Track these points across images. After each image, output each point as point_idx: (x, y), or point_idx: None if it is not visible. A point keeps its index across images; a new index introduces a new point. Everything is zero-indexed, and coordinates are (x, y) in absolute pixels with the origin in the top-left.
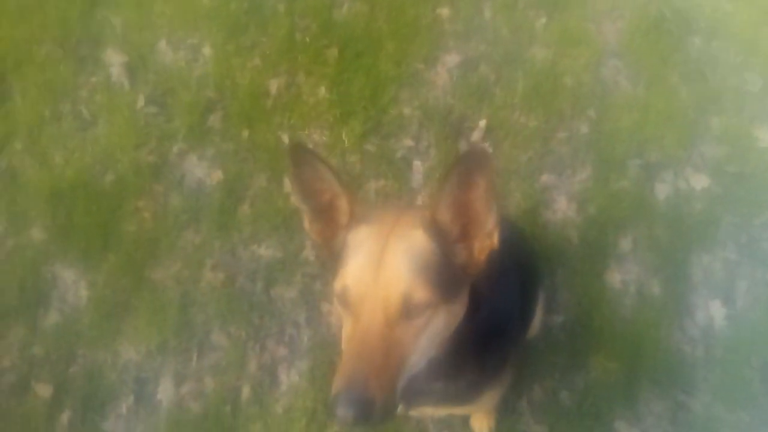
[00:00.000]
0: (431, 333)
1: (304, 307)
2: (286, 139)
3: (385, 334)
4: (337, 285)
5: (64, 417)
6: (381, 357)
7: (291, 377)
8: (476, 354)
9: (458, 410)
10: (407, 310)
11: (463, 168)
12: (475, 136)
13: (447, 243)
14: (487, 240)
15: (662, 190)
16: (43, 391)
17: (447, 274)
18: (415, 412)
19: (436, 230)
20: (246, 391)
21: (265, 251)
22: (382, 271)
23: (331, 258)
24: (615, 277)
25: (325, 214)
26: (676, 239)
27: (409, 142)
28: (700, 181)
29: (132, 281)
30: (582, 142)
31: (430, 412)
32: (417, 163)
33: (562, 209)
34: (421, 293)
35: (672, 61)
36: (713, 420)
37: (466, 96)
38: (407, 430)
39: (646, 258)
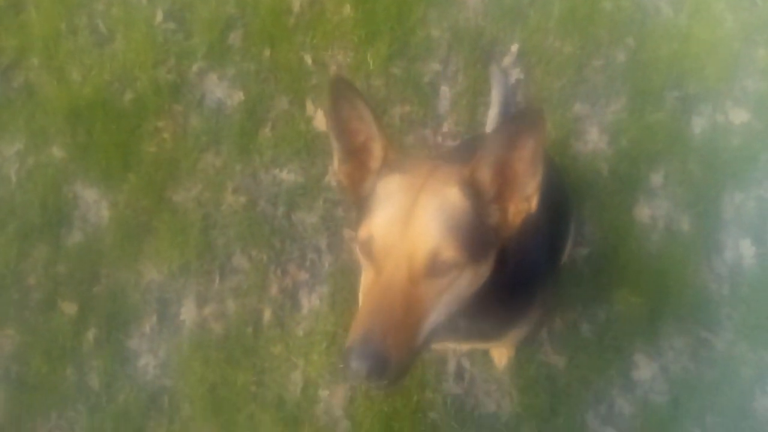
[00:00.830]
0: (455, 292)
1: (325, 233)
2: (308, 59)
3: (407, 290)
4: (362, 233)
5: (90, 334)
6: (401, 313)
7: (312, 301)
8: (502, 300)
9: (482, 346)
10: (433, 268)
11: (514, 127)
12: (507, 61)
13: (482, 203)
14: (524, 203)
15: (699, 124)
16: (69, 308)
17: (478, 234)
18: (437, 346)
19: (472, 189)
20: (267, 314)
21: (287, 175)
22: (411, 225)
23: (356, 203)
24: (644, 212)
25: (357, 155)
26: (710, 175)
27: (436, 66)
28: (739, 116)
29: (153, 202)
30: (618, 71)
31: (453, 346)
32: (444, 89)
33: (593, 140)
34: (449, 252)
35: None
36: (735, 358)
37: (499, 18)
38: (426, 358)
39: (677, 193)
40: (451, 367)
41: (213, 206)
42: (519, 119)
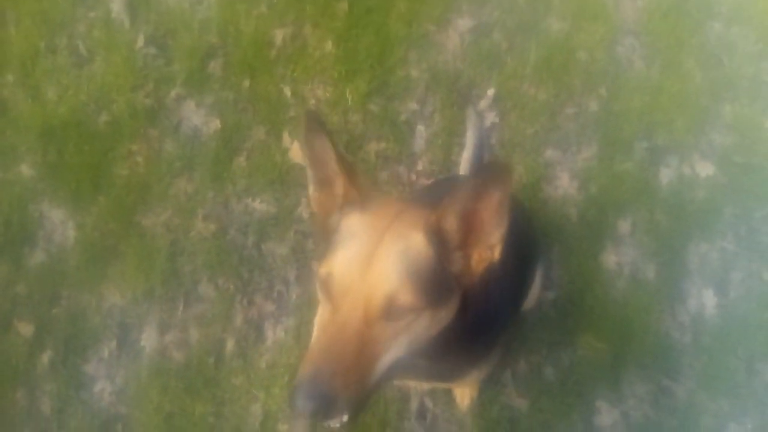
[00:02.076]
0: (411, 335)
1: (294, 265)
2: (288, 92)
3: (361, 330)
4: (322, 270)
5: (45, 357)
6: (353, 354)
7: (277, 333)
8: (463, 342)
9: (443, 385)
10: (389, 312)
11: (481, 179)
12: (483, 104)
13: (446, 250)
14: (488, 252)
15: (666, 175)
16: (25, 330)
17: (439, 281)
18: (398, 383)
19: (437, 236)
20: (230, 344)
21: (259, 205)
22: (371, 266)
23: (323, 236)
24: (610, 259)
25: (328, 186)
26: (676, 225)
27: (414, 105)
28: (705, 169)
29: (121, 226)
30: (590, 119)
31: (414, 384)
32: (420, 128)
33: (563, 186)
34: (407, 297)
35: (689, 44)
36: (695, 406)
37: (476, 62)
38: (389, 395)
39: (643, 242)
40: (414, 405)
41: (182, 232)
42: (486, 171)
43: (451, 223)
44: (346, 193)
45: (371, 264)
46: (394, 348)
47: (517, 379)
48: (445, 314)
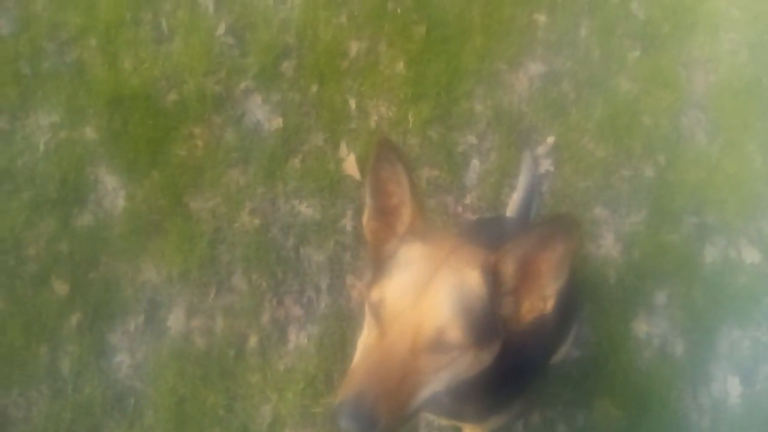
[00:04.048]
0: (453, 371)
1: (329, 274)
2: (353, 104)
3: (407, 360)
4: (375, 294)
5: (74, 318)
6: (396, 381)
7: (300, 339)
8: (491, 387)
9: (458, 424)
10: (436, 344)
11: (548, 229)
12: (540, 150)
13: (499, 293)
14: (540, 303)
15: (711, 254)
16: (60, 288)
17: (487, 322)
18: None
19: (493, 277)
20: (253, 341)
21: (305, 209)
22: (425, 297)
23: (375, 261)
24: (641, 327)
25: (387, 216)
26: (712, 306)
27: (472, 138)
28: (751, 255)
29: (169, 204)
30: (644, 184)
31: (430, 417)
32: (475, 162)
33: (607, 246)
34: (456, 333)
35: (754, 128)
36: None
37: (541, 108)
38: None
39: (677, 316)
40: None
41: (226, 222)
42: (556, 223)
43: (509, 267)
44: (413, 222)
45: (425, 294)
46: (435, 381)
47: (529, 430)
48: (487, 356)
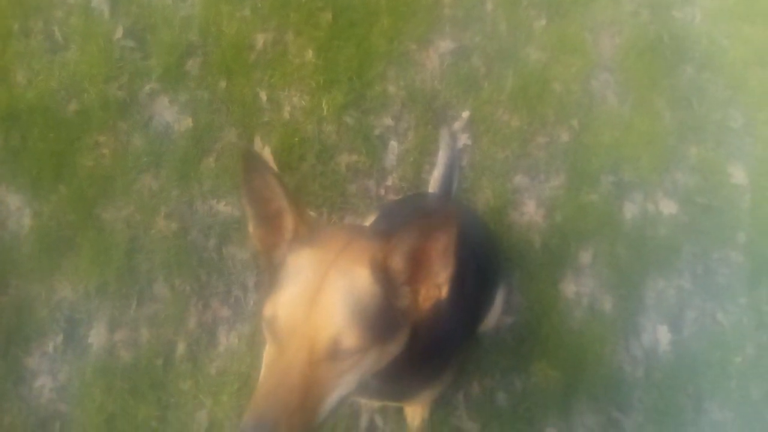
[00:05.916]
0: (359, 371)
1: (254, 271)
2: (263, 96)
3: (306, 374)
4: (267, 310)
5: None
6: (298, 397)
7: (230, 339)
8: (415, 365)
9: (393, 404)
10: (334, 354)
11: (427, 222)
12: (457, 126)
13: (392, 287)
14: (435, 290)
15: (630, 210)
16: None
17: (386, 318)
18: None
19: (383, 273)
20: (181, 347)
21: (224, 207)
22: (316, 307)
23: (269, 269)
24: (570, 288)
25: (272, 220)
26: (636, 260)
27: (388, 120)
28: (668, 207)
29: (80, 217)
30: (560, 149)
31: (363, 401)
32: (393, 144)
33: (529, 213)
34: (352, 339)
35: (661, 85)
36: None
37: (454, 84)
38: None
39: (603, 274)
40: (364, 422)
41: (142, 229)
42: (433, 216)
43: (399, 261)
44: (296, 228)
45: (316, 304)
46: (341, 387)
47: (469, 401)
48: (394, 348)
